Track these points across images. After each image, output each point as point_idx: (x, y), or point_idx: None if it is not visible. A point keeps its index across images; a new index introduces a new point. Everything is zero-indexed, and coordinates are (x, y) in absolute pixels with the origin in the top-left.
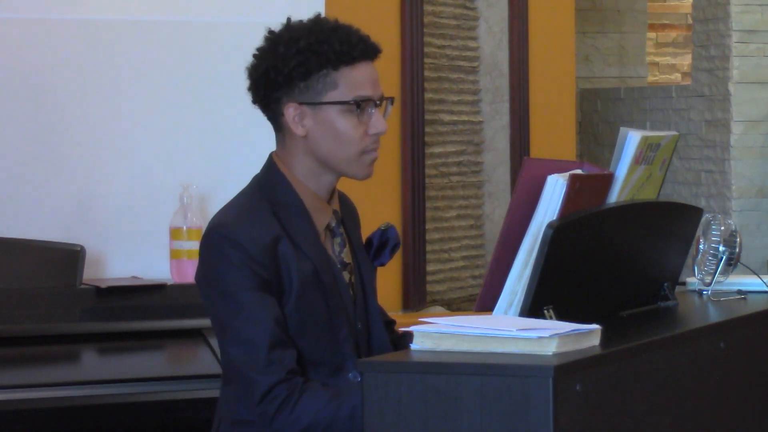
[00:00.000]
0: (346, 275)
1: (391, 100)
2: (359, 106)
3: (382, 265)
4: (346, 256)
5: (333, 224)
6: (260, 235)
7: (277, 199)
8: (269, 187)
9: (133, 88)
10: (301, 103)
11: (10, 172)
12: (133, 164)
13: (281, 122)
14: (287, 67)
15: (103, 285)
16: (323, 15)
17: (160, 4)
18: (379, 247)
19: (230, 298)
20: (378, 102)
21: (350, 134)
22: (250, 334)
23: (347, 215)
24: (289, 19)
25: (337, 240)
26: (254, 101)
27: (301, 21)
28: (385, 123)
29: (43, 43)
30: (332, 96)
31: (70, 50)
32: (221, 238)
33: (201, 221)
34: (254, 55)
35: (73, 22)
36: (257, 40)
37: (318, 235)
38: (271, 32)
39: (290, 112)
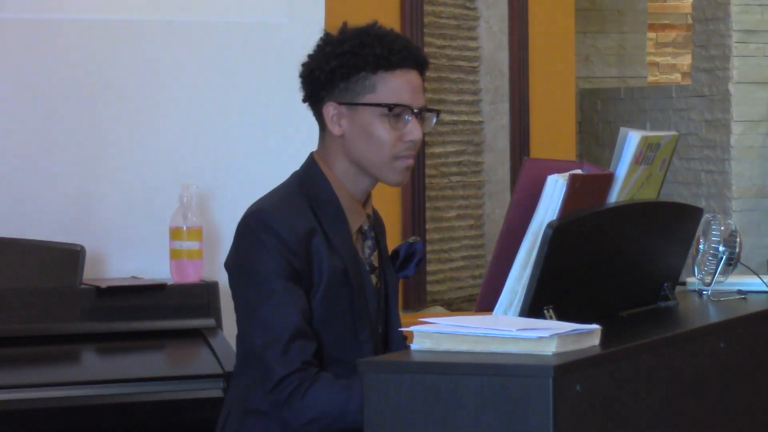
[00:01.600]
0: (373, 279)
1: (437, 113)
2: (391, 110)
3: (407, 277)
4: (375, 260)
5: (365, 227)
6: (297, 226)
7: (315, 195)
8: (309, 183)
9: (133, 88)
10: (340, 103)
11: (11, 172)
12: (133, 164)
13: (322, 121)
14: (329, 66)
15: (103, 285)
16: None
17: (160, 4)
18: (405, 259)
19: (260, 284)
20: (417, 111)
21: (383, 138)
22: (274, 321)
23: (376, 225)
24: (345, 23)
25: (368, 243)
26: (303, 100)
27: (356, 26)
28: (420, 131)
29: (42, 43)
30: (369, 99)
31: (69, 50)
32: (258, 223)
33: (201, 221)
34: (308, 55)
35: (73, 22)
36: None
37: (351, 235)
38: (325, 34)
39: (329, 110)
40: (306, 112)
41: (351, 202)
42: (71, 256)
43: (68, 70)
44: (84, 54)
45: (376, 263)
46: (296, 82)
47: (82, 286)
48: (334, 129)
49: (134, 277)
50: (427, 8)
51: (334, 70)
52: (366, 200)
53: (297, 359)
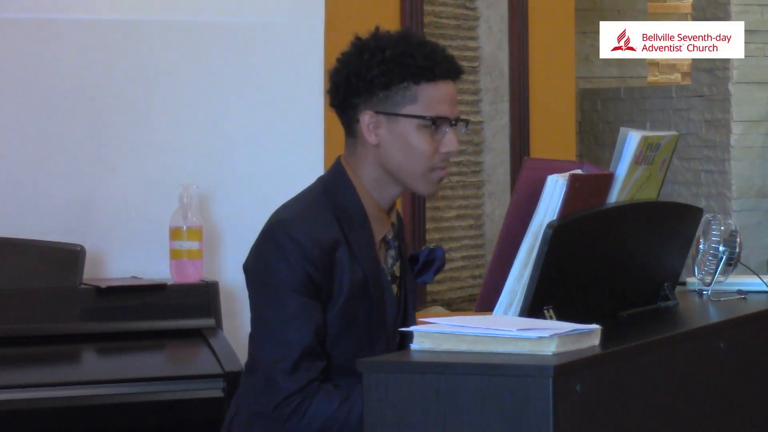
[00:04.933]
0: (394, 288)
1: (466, 122)
2: (435, 123)
3: (425, 283)
4: (398, 270)
5: (390, 237)
6: (320, 238)
7: (340, 202)
8: (335, 191)
9: (133, 88)
10: (378, 112)
11: (11, 172)
12: (133, 164)
13: (355, 128)
14: (370, 74)
15: (103, 285)
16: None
17: (160, 4)
18: (424, 264)
19: (277, 296)
20: (453, 122)
21: (422, 149)
22: (286, 336)
23: (399, 231)
24: (377, 28)
25: (391, 253)
26: (331, 104)
27: (389, 31)
28: (457, 143)
29: (42, 43)
30: (410, 110)
31: (69, 51)
32: (283, 234)
33: (201, 221)
34: (338, 60)
35: (73, 22)
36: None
37: (374, 245)
38: (357, 38)
39: (366, 119)
40: (306, 112)
41: (377, 212)
42: (71, 256)
43: (68, 70)
44: (84, 54)
45: (398, 273)
46: (296, 82)
47: (82, 286)
48: (370, 138)
49: (134, 277)
50: (427, 8)
51: (375, 79)
52: (390, 209)
53: (304, 378)
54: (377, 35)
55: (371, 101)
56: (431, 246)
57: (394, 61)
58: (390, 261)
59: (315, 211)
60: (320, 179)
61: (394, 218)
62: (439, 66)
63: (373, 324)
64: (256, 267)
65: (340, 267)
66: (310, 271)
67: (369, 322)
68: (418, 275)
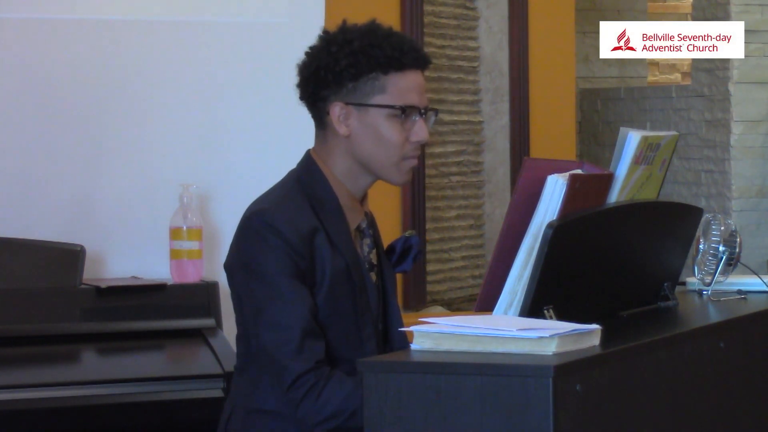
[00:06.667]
0: (373, 276)
1: (436, 111)
2: (404, 112)
3: (405, 272)
4: (374, 257)
5: (364, 225)
6: (300, 225)
7: (314, 194)
8: (308, 182)
9: (133, 87)
10: (347, 103)
11: (11, 172)
12: (133, 164)
13: (325, 120)
14: (338, 66)
15: (103, 285)
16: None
17: (159, 3)
18: (402, 253)
19: (268, 283)
20: (423, 111)
21: (393, 139)
22: (285, 319)
23: (371, 219)
24: (344, 21)
25: (367, 241)
26: (301, 98)
27: (356, 24)
28: (427, 132)
29: (44, 43)
30: (379, 99)
31: (70, 50)
32: (262, 224)
33: (201, 221)
34: (306, 53)
35: (73, 21)
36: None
37: (350, 234)
38: (325, 32)
39: (336, 111)
40: (306, 113)
41: (349, 201)
42: (71, 256)
43: (68, 71)
44: (84, 54)
45: (375, 261)
46: (296, 82)
47: (82, 286)
48: (341, 129)
49: (134, 277)
50: (427, 8)
51: (343, 71)
52: (363, 198)
53: (311, 358)
54: (344, 28)
55: (341, 93)
56: (406, 234)
57: (362, 52)
58: (366, 249)
59: (291, 201)
60: (292, 172)
61: (367, 207)
62: (407, 56)
63: (359, 311)
64: (240, 260)
65: (320, 254)
66: (293, 257)
67: (354, 310)
68: (396, 265)
